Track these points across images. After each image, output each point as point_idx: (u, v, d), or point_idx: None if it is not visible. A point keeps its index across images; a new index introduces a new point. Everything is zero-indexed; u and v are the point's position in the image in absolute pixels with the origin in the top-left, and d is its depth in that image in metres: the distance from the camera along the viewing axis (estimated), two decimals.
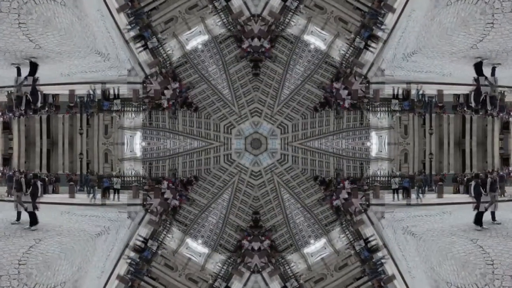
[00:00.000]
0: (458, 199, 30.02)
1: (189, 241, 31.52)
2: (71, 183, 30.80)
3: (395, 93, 30.74)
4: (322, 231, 31.54)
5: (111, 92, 31.00)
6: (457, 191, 30.55)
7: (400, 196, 30.98)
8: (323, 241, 31.45)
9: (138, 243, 30.72)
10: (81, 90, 30.92)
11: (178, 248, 31.22)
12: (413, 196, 30.77)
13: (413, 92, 30.49)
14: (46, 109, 30.10)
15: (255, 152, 31.67)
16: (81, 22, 26.96)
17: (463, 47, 26.11)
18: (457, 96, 30.24)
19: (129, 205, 31.37)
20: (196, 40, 31.03)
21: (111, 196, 31.34)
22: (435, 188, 30.73)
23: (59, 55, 27.53)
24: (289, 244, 31.50)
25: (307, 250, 31.38)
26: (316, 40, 30.92)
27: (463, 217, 28.86)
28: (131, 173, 31.58)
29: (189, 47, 31.07)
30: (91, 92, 30.72)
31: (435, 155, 30.90)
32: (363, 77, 30.70)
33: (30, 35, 24.99)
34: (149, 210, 31.12)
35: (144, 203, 31.31)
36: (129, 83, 31.00)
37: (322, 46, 30.96)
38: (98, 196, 31.12)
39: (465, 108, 29.85)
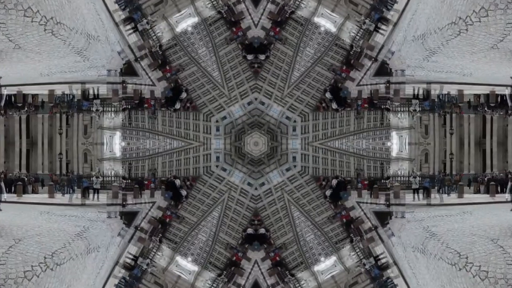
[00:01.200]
0: (478, 199, 30.24)
1: (178, 258, 31.61)
2: (51, 183, 30.79)
3: (416, 93, 31.12)
4: (332, 248, 31.74)
5: (91, 92, 31.06)
6: (477, 191, 30.78)
7: (421, 196, 31.24)
8: (333, 258, 31.65)
9: (128, 260, 30.77)
10: (61, 90, 30.96)
11: (168, 266, 31.30)
12: (437, 195, 31.14)
13: (435, 92, 30.88)
14: (26, 109, 30.07)
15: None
16: (70, 4, 26.88)
17: (483, 46, 26.40)
18: (477, 96, 30.61)
19: (108, 205, 31.44)
20: (186, 22, 31.08)
21: (91, 196, 31.38)
22: (455, 188, 31.00)
23: (38, 55, 27.49)
24: (299, 261, 31.69)
25: (317, 267, 31.59)
26: (326, 22, 31.08)
27: (483, 216, 29.02)
28: (111, 173, 31.63)
29: (178, 29, 31.13)
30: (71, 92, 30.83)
31: (455, 155, 31.14)
32: (373, 59, 30.89)
33: (10, 35, 24.96)
34: (138, 228, 31.20)
35: (124, 203, 31.43)
36: (108, 83, 31.08)
37: (332, 29, 31.13)
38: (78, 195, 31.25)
39: (485, 108, 30.26)
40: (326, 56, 31.35)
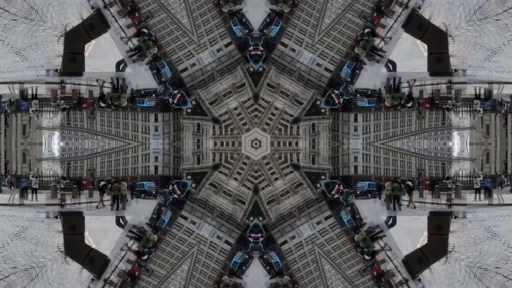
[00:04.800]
0: None
1: None
2: None
3: (477, 93, 31.22)
4: None
5: (29, 92, 31.21)
6: None
7: (482, 196, 31.31)
8: None
9: None
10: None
11: None
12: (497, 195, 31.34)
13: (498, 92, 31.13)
14: None
15: None
16: None
17: None
18: None
19: (47, 205, 31.43)
20: None
21: (29, 196, 31.41)
22: None
23: None
24: None
25: None
26: None
27: None
28: (49, 173, 31.66)
29: None
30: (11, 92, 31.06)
31: None
32: (404, 6, 30.85)
33: None
34: (108, 281, 31.16)
35: (62, 203, 31.40)
36: (47, 83, 31.21)
37: None
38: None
39: None
40: (357, 2, 31.34)
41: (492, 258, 28.92)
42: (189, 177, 31.92)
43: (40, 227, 31.51)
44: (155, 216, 32.02)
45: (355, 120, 32.21)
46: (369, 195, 32.24)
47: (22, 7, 27.61)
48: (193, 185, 31.89)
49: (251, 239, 31.34)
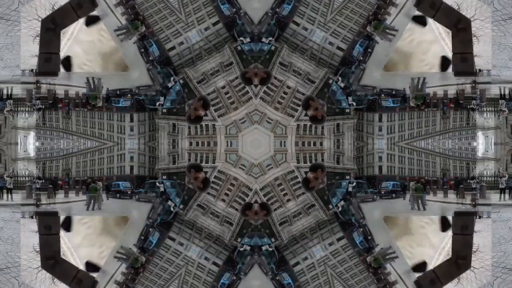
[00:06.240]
0: None
1: None
2: None
3: (502, 93, 31.13)
4: None
5: (5, 92, 31.22)
6: None
7: (507, 196, 31.19)
8: None
9: None
10: None
11: None
12: None
13: None
14: None
15: None
16: None
17: None
18: None
19: (22, 205, 31.42)
20: None
21: (4, 196, 31.38)
22: None
23: None
24: None
25: None
26: None
27: None
28: (25, 173, 31.64)
29: None
30: None
31: None
32: None
33: None
34: None
35: (38, 203, 31.39)
36: (22, 83, 31.24)
37: None
38: None
39: None
40: None
41: None
42: (164, 176, 32.04)
43: (16, 227, 31.54)
44: (142, 238, 31.94)
45: (380, 120, 32.19)
46: (393, 195, 32.22)
47: None
48: (181, 206, 31.99)
49: None
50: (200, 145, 32.00)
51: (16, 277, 31.05)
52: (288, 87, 31.89)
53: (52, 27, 31.00)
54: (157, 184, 32.03)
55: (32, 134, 31.64)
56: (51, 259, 31.21)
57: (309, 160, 32.00)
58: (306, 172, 31.96)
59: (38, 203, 31.42)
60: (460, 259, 31.04)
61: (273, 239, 31.95)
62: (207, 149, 31.95)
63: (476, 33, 30.96)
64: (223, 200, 32.20)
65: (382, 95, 31.90)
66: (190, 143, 31.96)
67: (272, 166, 32.06)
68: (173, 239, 32.16)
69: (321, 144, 32.03)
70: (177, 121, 31.76)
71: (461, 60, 31.17)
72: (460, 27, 30.92)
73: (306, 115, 31.72)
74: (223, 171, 31.94)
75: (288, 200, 32.23)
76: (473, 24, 30.93)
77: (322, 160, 32.00)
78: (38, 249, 31.23)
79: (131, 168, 32.18)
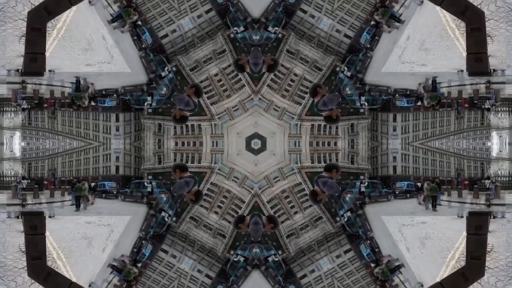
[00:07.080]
0: None
1: None
2: None
3: None
4: None
5: None
6: None
7: None
8: None
9: None
10: None
11: None
12: None
13: None
14: None
15: None
16: None
17: None
18: None
19: (8, 205, 31.33)
20: None
21: None
22: None
23: None
24: None
25: None
26: None
27: None
28: (10, 173, 31.60)
29: None
30: None
31: None
32: None
33: None
34: None
35: (23, 203, 31.31)
36: (8, 83, 31.17)
37: None
38: None
39: None
40: None
41: None
42: (150, 176, 31.80)
43: (1, 227, 31.48)
44: (135, 250, 31.77)
45: (394, 120, 32.09)
46: (407, 195, 32.02)
47: None
48: (174, 218, 31.91)
49: None
50: (186, 145, 31.71)
51: (1, 277, 30.98)
52: (295, 75, 31.90)
53: (38, 27, 30.88)
54: (145, 184, 31.89)
55: (18, 134, 31.56)
56: (37, 259, 31.04)
57: (323, 160, 31.86)
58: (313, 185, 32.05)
59: (23, 203, 31.30)
60: (474, 259, 30.39)
61: (280, 251, 31.84)
62: (193, 149, 31.70)
63: (490, 33, 30.43)
64: (216, 213, 32.19)
65: (397, 95, 31.79)
66: (176, 143, 31.80)
67: (279, 179, 32.17)
68: (166, 252, 31.99)
69: (335, 144, 32.01)
70: (163, 121, 31.59)
71: (475, 60, 30.59)
72: (473, 27, 30.44)
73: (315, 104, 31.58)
74: (216, 183, 32.05)
75: (296, 213, 32.18)
76: (487, 24, 30.34)
77: (336, 160, 31.93)
78: (24, 249, 31.13)
79: (117, 168, 32.02)
